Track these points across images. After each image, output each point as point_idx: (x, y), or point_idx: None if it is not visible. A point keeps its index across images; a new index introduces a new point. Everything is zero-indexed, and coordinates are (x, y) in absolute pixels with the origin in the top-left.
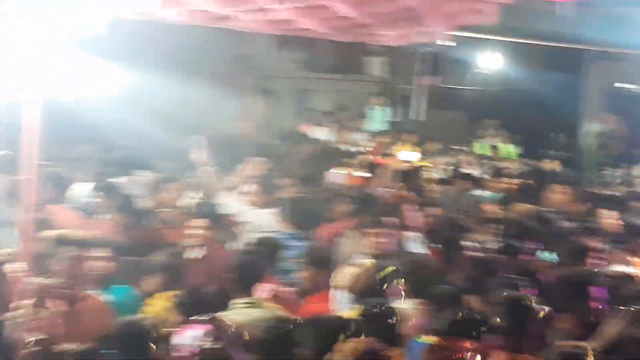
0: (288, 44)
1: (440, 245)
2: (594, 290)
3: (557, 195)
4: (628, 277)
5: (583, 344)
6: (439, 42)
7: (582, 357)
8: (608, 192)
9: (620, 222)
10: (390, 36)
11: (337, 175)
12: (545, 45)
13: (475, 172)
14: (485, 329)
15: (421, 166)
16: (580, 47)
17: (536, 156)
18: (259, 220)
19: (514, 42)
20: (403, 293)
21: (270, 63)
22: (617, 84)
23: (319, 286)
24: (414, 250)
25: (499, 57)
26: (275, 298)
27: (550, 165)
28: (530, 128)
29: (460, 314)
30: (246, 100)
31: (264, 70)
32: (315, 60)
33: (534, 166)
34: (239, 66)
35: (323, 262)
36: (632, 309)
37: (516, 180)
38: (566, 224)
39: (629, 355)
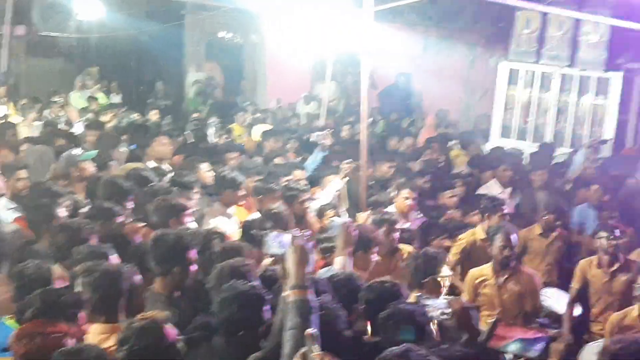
0: None
1: (27, 213)
2: (188, 252)
3: (161, 148)
4: (217, 234)
5: (158, 314)
6: None
7: (156, 330)
8: (206, 143)
9: (213, 173)
10: None
11: None
12: None
13: (72, 126)
14: (78, 306)
15: (10, 123)
16: None
17: (138, 106)
18: None
19: None
20: None
21: None
22: (218, 34)
23: None
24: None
25: (99, 5)
26: None
27: (152, 115)
28: (132, 77)
29: (51, 292)
30: None
31: None
32: None
33: (135, 118)
34: None
35: None
36: None
37: (115, 134)
38: (164, 181)
39: None
